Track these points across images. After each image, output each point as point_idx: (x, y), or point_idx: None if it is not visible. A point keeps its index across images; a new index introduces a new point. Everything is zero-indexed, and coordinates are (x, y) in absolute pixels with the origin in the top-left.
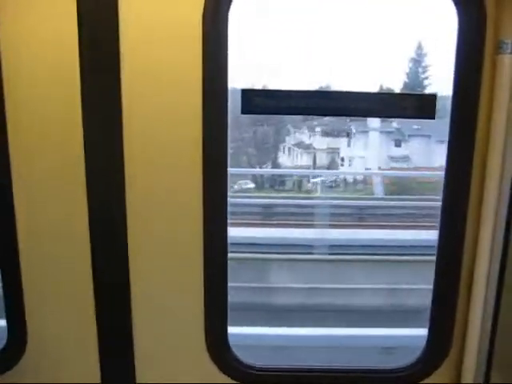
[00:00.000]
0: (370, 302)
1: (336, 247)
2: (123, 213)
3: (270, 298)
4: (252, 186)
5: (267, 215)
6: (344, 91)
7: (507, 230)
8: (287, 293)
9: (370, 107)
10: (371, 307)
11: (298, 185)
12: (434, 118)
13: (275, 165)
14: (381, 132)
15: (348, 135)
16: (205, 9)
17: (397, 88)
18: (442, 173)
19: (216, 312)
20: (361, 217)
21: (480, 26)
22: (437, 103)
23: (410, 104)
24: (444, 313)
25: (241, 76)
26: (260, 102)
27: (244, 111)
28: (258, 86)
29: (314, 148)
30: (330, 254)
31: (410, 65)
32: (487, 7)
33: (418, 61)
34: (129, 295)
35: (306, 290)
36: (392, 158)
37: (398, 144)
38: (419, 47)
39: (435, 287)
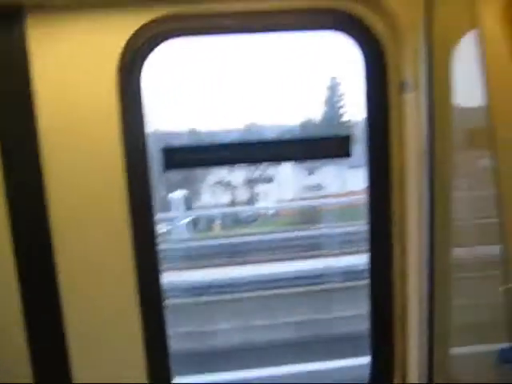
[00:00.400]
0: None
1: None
2: (53, 272)
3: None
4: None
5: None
6: (262, 140)
7: (431, 248)
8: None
9: (289, 153)
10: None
11: (231, 221)
12: (349, 157)
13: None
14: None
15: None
16: (120, 62)
17: (316, 116)
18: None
19: (158, 363)
20: (281, 248)
21: (382, 68)
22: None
23: (327, 146)
24: (383, 338)
25: (167, 119)
26: (181, 158)
27: (166, 169)
28: (185, 127)
29: (232, 184)
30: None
31: (327, 94)
32: (388, 50)
33: (333, 90)
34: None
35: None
36: (306, 187)
37: (311, 172)
38: (333, 79)
39: (371, 313)
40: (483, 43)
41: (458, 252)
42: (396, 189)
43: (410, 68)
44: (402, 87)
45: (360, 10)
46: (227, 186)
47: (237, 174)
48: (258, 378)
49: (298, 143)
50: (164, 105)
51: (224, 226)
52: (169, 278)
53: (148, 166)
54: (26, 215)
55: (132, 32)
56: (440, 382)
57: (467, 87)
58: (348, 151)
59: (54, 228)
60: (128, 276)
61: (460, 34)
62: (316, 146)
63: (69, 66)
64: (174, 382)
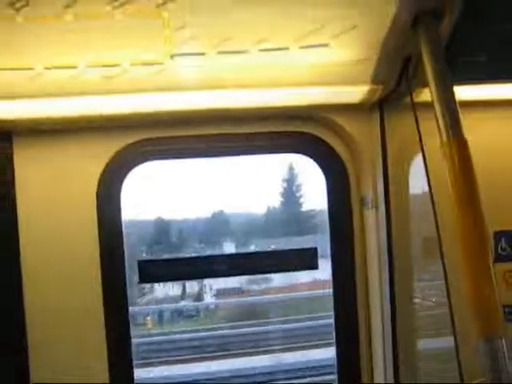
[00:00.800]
0: None
1: None
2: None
3: None
4: None
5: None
6: (232, 254)
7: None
8: None
9: (259, 266)
10: None
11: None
12: (317, 269)
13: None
14: None
15: None
16: (99, 182)
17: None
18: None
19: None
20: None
21: (344, 185)
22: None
23: (295, 258)
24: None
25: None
26: (156, 271)
27: (142, 281)
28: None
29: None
30: None
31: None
32: (348, 169)
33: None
34: None
35: None
36: (252, 280)
37: None
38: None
39: (337, 317)
40: (427, 168)
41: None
42: (360, 287)
43: (369, 185)
44: (362, 202)
45: (322, 133)
46: None
47: None
48: None
49: (270, 255)
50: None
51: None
52: None
53: (123, 259)
54: None
55: (111, 155)
56: (405, 382)
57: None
58: (315, 263)
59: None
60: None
61: (413, 153)
62: (285, 258)
63: (52, 186)
64: None
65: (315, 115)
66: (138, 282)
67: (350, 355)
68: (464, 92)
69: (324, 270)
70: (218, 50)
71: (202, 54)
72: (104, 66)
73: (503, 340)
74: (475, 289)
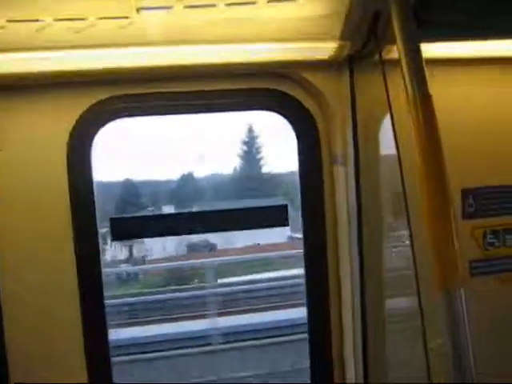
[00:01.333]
0: None
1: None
2: None
3: None
4: None
5: None
6: (203, 211)
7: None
8: None
9: (230, 223)
10: None
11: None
12: (287, 226)
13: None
14: None
15: None
16: (69, 139)
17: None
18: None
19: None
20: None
21: (314, 142)
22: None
23: (266, 215)
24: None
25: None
26: (128, 228)
27: (114, 238)
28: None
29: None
30: None
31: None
32: (319, 126)
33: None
34: None
35: None
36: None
37: None
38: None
39: (310, 320)
40: (394, 125)
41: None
42: (330, 243)
43: (339, 142)
44: (332, 159)
45: (292, 90)
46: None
47: None
48: None
49: (238, 213)
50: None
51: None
52: None
53: (95, 217)
54: None
55: (81, 112)
56: (376, 382)
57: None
58: (286, 219)
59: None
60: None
61: (384, 110)
62: (255, 215)
63: (21, 143)
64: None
65: (285, 72)
66: (111, 240)
67: (320, 312)
68: (431, 49)
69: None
70: (184, 4)
71: (169, 7)
72: (70, 19)
73: (462, 291)
74: (436, 241)
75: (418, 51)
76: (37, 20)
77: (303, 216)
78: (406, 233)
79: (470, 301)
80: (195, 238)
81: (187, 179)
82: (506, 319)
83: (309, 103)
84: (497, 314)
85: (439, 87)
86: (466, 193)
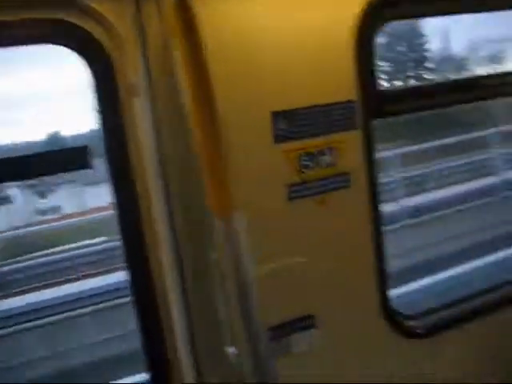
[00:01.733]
0: None
1: None
2: None
3: None
4: None
5: None
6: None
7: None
8: None
9: (23, 170)
10: None
11: None
12: (91, 168)
13: None
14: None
15: None
16: None
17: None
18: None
19: None
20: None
21: (110, 77)
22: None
23: (63, 159)
24: (157, 352)
25: None
26: None
27: None
28: None
29: None
30: None
31: None
32: (112, 57)
33: None
34: None
35: None
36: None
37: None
38: None
39: (139, 318)
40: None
41: None
42: (141, 193)
43: (133, 75)
44: (129, 91)
45: (80, 20)
46: None
47: None
48: None
49: (32, 159)
50: None
51: None
52: None
53: None
54: None
55: None
56: (215, 382)
57: None
58: (87, 162)
59: None
60: None
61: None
62: (52, 159)
63: None
64: None
65: (73, 2)
66: None
67: (140, 273)
68: None
69: None
70: None
71: None
72: None
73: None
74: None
75: None
76: None
77: (107, 152)
78: None
79: (288, 223)
80: None
81: None
82: (322, 241)
83: (100, 34)
84: (314, 236)
85: (243, 5)
86: (276, 116)
